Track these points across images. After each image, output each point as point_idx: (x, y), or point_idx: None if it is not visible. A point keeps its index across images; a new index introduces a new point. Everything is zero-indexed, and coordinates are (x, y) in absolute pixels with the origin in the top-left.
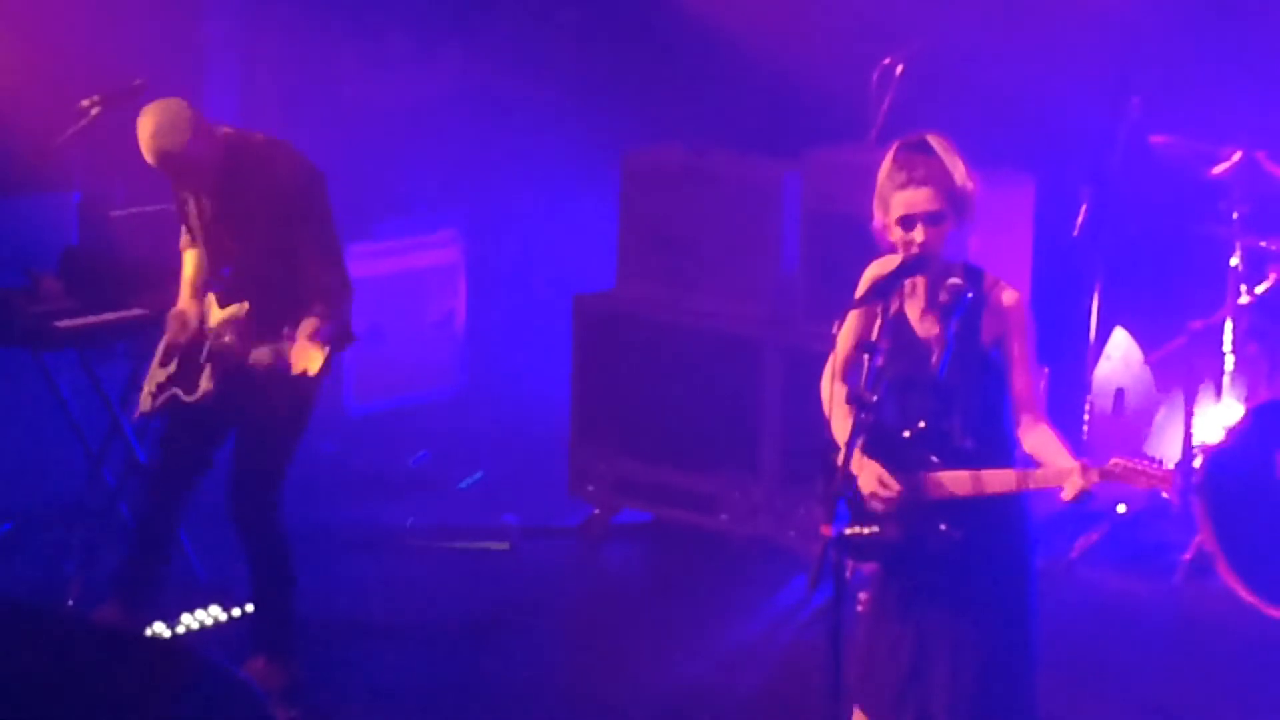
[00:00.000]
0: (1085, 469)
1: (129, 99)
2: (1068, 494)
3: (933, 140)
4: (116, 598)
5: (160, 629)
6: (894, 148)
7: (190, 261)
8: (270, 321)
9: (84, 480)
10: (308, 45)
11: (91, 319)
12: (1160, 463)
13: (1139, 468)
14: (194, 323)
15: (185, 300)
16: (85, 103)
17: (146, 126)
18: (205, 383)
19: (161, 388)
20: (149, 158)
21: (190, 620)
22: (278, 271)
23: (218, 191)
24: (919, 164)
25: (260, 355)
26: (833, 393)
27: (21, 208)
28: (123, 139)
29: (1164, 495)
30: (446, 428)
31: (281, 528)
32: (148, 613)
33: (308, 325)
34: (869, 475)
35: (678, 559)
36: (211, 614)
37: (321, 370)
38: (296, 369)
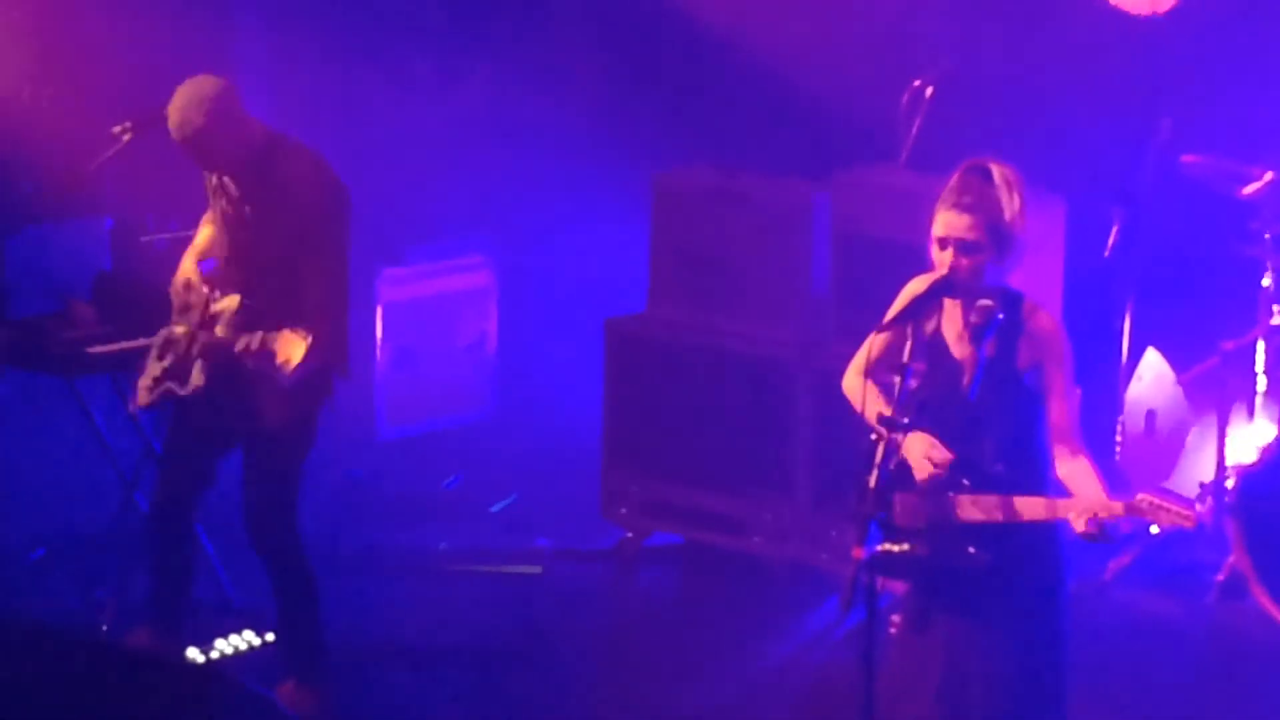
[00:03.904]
0: (1109, 503)
1: (160, 124)
2: (1078, 527)
3: (996, 170)
4: (147, 623)
5: (193, 654)
6: (961, 167)
7: (202, 235)
8: (258, 318)
9: (117, 506)
10: (337, 72)
11: (124, 344)
12: (1187, 500)
13: (1163, 504)
14: (198, 287)
15: (188, 266)
16: (117, 129)
17: (172, 101)
18: (196, 377)
19: (157, 381)
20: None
21: (223, 645)
22: (278, 280)
23: (243, 184)
24: (972, 190)
25: (246, 341)
26: (858, 386)
27: (54, 234)
28: (154, 164)
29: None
30: (478, 451)
31: (301, 550)
32: (179, 636)
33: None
34: (918, 446)
35: (710, 582)
36: (244, 639)
37: (318, 386)
38: (280, 358)
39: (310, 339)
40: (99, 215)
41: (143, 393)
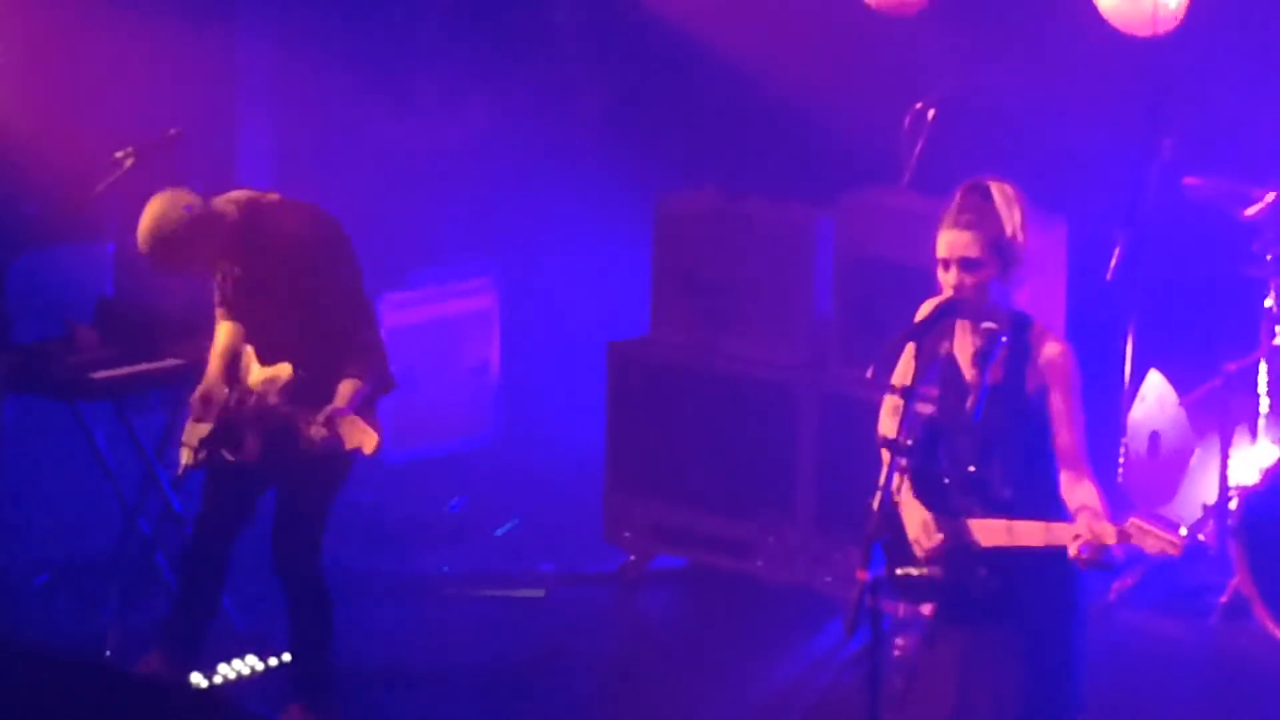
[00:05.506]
0: (1101, 528)
1: (163, 150)
2: (1071, 553)
3: (995, 186)
4: (160, 649)
5: (198, 679)
6: (960, 187)
7: (223, 333)
8: (312, 382)
9: (120, 530)
10: (340, 96)
11: (127, 369)
12: (1175, 526)
13: (1151, 530)
14: (219, 401)
15: (213, 374)
16: (120, 154)
17: (139, 225)
18: (252, 445)
19: (204, 442)
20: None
21: (227, 670)
22: (309, 332)
23: (240, 259)
24: (971, 208)
25: (320, 425)
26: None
27: (57, 258)
28: (157, 190)
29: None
30: (482, 475)
31: (323, 580)
32: (190, 665)
33: (346, 389)
34: (915, 520)
35: (714, 605)
36: (249, 664)
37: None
38: (349, 445)
39: (380, 433)
40: (102, 240)
41: (187, 454)
